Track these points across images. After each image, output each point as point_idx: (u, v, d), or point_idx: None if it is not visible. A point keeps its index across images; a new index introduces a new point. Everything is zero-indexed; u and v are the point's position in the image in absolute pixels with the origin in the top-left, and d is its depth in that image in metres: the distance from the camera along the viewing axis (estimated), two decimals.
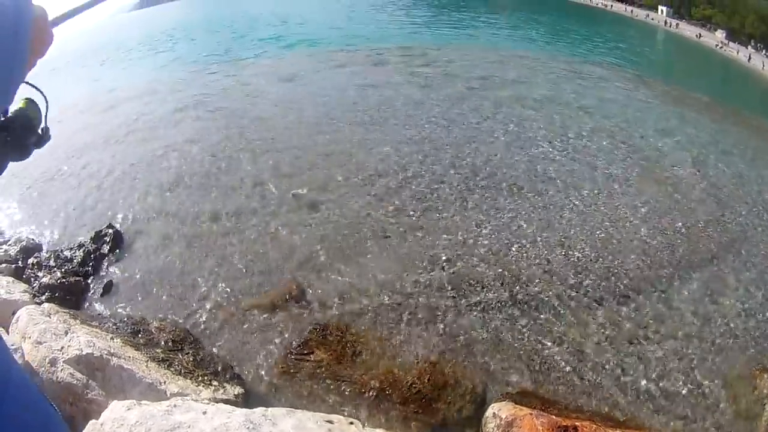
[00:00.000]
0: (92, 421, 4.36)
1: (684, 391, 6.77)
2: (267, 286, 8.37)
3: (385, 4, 52.32)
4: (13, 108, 1.47)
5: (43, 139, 1.58)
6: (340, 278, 8.52)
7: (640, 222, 10.49)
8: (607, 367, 6.99)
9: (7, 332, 5.67)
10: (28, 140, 1.52)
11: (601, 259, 9.08)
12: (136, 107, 18.62)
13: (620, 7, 64.49)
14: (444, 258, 8.93)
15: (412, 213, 10.38)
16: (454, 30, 36.87)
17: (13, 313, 6.14)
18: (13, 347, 4.80)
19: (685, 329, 7.81)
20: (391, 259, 8.96)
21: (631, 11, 61.99)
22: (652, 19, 58.78)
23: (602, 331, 7.59)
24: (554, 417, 5.75)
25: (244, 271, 8.75)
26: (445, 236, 9.55)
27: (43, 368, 5.13)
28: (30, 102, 1.56)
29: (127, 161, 13.43)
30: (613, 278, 8.64)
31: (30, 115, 1.54)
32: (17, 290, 7.32)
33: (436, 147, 13.61)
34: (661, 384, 6.82)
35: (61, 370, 5.15)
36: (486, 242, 9.42)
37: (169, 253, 9.31)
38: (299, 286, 8.27)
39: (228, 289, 8.31)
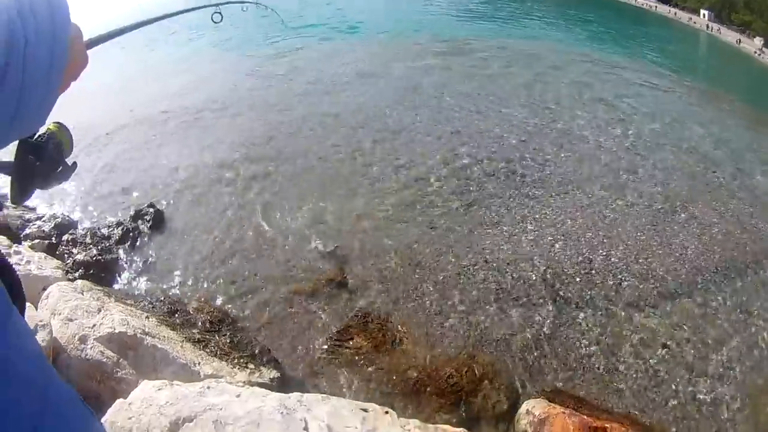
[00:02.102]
0: (120, 400, 4.17)
1: (708, 399, 6.68)
2: (310, 272, 8.26)
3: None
4: (41, 131, 1.35)
5: (69, 169, 1.41)
6: (383, 267, 8.41)
7: (679, 227, 10.29)
8: (639, 370, 6.90)
9: (36, 308, 5.49)
10: (56, 167, 1.38)
11: (640, 261, 8.92)
12: (192, 88, 18.27)
13: (664, 9, 63.47)
14: (488, 251, 8.82)
15: (458, 206, 10.24)
16: (506, 25, 36.30)
17: (44, 289, 5.97)
18: (41, 323, 4.60)
19: (717, 336, 7.67)
20: (436, 251, 8.83)
21: (675, 13, 61.00)
22: (694, 22, 57.60)
23: (637, 333, 7.47)
24: (585, 417, 5.74)
25: (287, 256, 8.65)
26: (490, 230, 9.45)
27: (71, 345, 4.98)
28: (61, 126, 1.42)
29: (176, 142, 13.38)
30: (651, 281, 8.50)
31: (61, 140, 1.40)
32: (49, 266, 7.15)
33: (480, 140, 13.48)
34: (689, 389, 6.73)
35: (91, 347, 5.00)
36: (531, 238, 9.31)
37: (212, 235, 9.22)
38: (343, 273, 8.15)
39: (270, 274, 8.20)
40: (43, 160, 1.32)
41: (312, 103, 15.73)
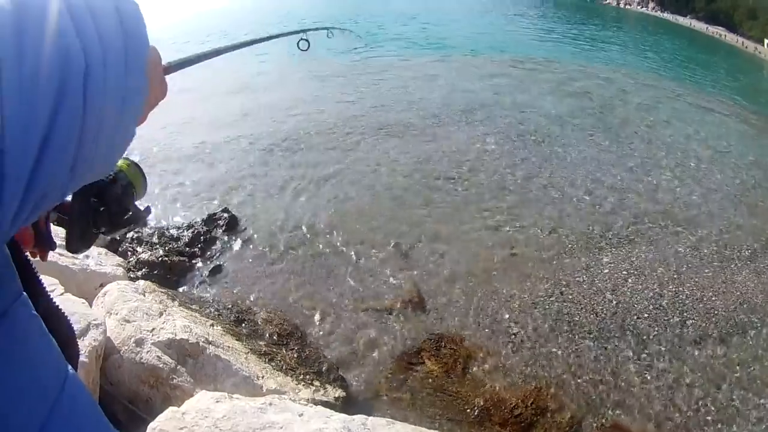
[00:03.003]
0: (172, 408, 3.93)
1: None
2: (387, 292, 8.03)
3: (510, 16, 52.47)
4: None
5: (140, 215, 1.25)
6: (461, 291, 8.15)
7: (743, 264, 9.82)
8: (699, 410, 6.61)
9: (90, 305, 5.24)
10: (124, 213, 1.20)
11: (705, 300, 8.60)
12: (270, 92, 18.71)
13: (732, 38, 62.99)
14: (564, 283, 8.58)
15: (539, 232, 10.03)
16: (578, 45, 36.53)
17: (101, 286, 5.80)
18: (95, 322, 4.38)
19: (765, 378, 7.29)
20: (515, 278, 8.59)
21: (742, 43, 60.09)
22: (759, 52, 56.44)
23: (695, 372, 7.18)
24: None
25: (364, 274, 8.42)
26: (568, 260, 9.22)
27: (126, 347, 4.75)
28: (132, 164, 1.26)
29: (258, 145, 13.44)
30: (713, 319, 8.20)
31: (131, 181, 1.23)
32: (109, 263, 6.98)
33: (557, 164, 13.46)
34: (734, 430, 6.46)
35: (148, 351, 4.76)
36: (606, 271, 9.03)
37: (287, 246, 9.05)
38: (420, 295, 7.92)
39: (345, 290, 7.99)
40: (109, 205, 1.15)
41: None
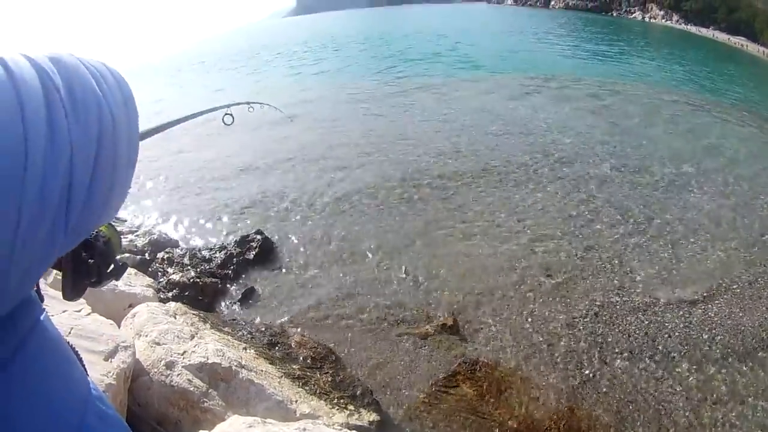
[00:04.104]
0: None
1: None
2: (422, 316, 7.98)
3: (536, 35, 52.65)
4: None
5: (120, 269, 1.37)
6: (497, 315, 8.10)
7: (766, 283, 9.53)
8: (720, 424, 6.54)
9: (119, 326, 5.17)
10: (108, 266, 1.31)
11: (733, 316, 8.48)
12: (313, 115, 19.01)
13: (754, 48, 62.81)
14: (598, 303, 8.51)
15: (575, 250, 9.98)
16: (611, 63, 36.15)
17: (130, 306, 5.76)
18: (123, 344, 4.32)
19: None
20: (551, 300, 8.52)
21: (764, 53, 59.73)
22: None
23: (722, 388, 7.08)
24: None
25: (399, 297, 8.38)
26: (601, 279, 9.15)
27: (155, 369, 4.67)
28: (108, 224, 1.36)
29: (296, 172, 13.62)
30: (740, 336, 8.06)
31: (110, 238, 1.34)
32: (139, 283, 6.96)
33: (588, 182, 13.45)
34: None
35: (178, 374, 4.68)
36: (639, 290, 8.91)
37: (321, 269, 9.04)
38: (456, 319, 7.83)
39: (380, 314, 7.95)
40: (95, 258, 1.24)
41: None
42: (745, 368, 7.41)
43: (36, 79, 0.69)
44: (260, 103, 5.69)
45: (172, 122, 2.59)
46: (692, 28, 77.92)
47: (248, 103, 5.23)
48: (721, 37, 70.10)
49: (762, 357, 7.63)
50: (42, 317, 0.90)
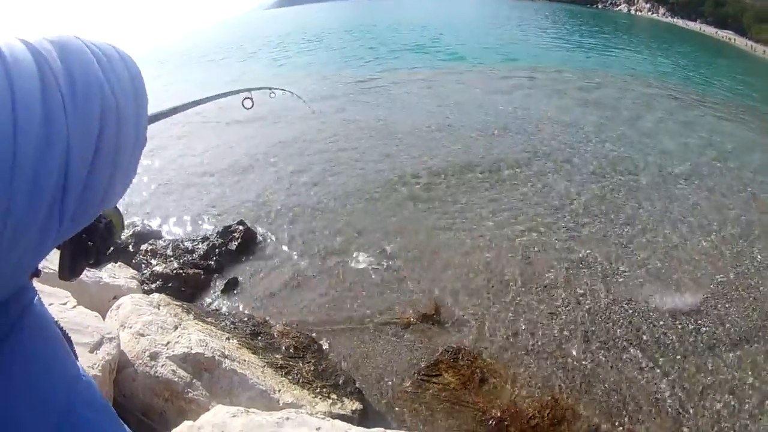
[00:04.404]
0: (188, 422, 3.90)
1: None
2: (404, 306, 8.01)
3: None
4: None
5: (119, 254, 1.19)
6: (479, 304, 8.13)
7: (756, 269, 9.66)
8: (706, 414, 6.60)
9: (104, 318, 5.21)
10: (107, 248, 1.32)
11: (719, 306, 8.56)
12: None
13: (742, 41, 63.69)
14: (581, 292, 8.55)
15: (555, 239, 10.08)
16: (597, 56, 36.36)
17: (115, 299, 5.79)
18: (108, 336, 4.37)
19: None
20: (533, 289, 8.59)
21: (752, 47, 60.15)
22: None
23: (709, 378, 7.16)
24: None
25: (382, 288, 8.43)
26: (585, 269, 9.19)
27: (140, 360, 4.73)
28: (113, 209, 1.37)
29: (277, 165, 13.67)
30: (726, 326, 8.14)
31: (112, 220, 1.35)
32: (123, 275, 6.98)
33: (571, 173, 13.57)
34: None
35: (162, 365, 4.73)
36: (622, 279, 8.99)
37: (303, 260, 9.09)
38: (438, 309, 7.90)
39: (362, 304, 8.00)
40: (95, 241, 1.24)
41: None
42: (732, 359, 7.47)
43: (32, 64, 0.67)
44: (282, 89, 5.66)
45: (189, 104, 2.54)
46: (679, 21, 78.42)
47: (270, 88, 5.16)
48: (709, 30, 70.74)
49: (749, 349, 7.68)
50: (35, 299, 0.91)
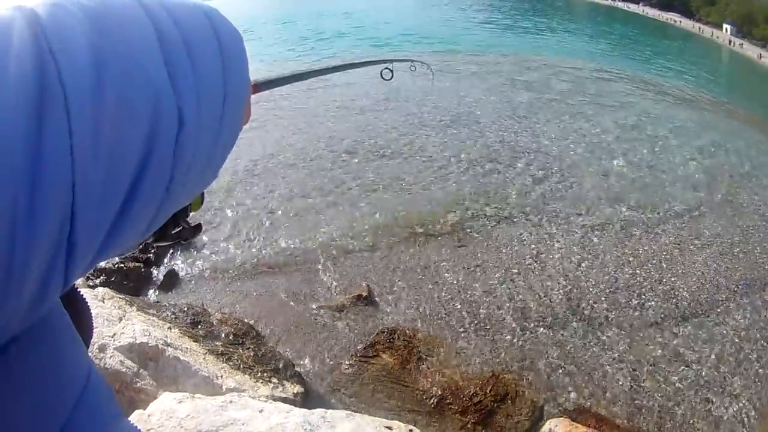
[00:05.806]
0: (138, 411, 4.04)
1: (726, 417, 6.67)
2: (338, 289, 8.24)
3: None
4: None
5: (190, 231, 1.01)
6: (412, 285, 8.36)
7: (702, 246, 10.22)
8: (660, 389, 6.88)
9: None
10: (174, 226, 1.00)
11: (664, 281, 8.92)
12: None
13: (688, 23, 65.08)
14: (515, 270, 8.82)
15: (486, 223, 10.24)
16: (532, 37, 36.92)
17: None
18: None
19: (735, 354, 7.65)
20: (464, 269, 8.79)
21: (699, 29, 61.44)
22: (717, 37, 57.87)
23: (659, 353, 7.47)
24: None
25: (315, 273, 8.63)
26: (518, 248, 9.45)
27: (90, 354, 4.79)
28: None
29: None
30: (674, 300, 8.51)
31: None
32: None
33: (501, 152, 13.80)
34: (708, 407, 6.74)
35: (111, 357, 4.87)
36: (557, 256, 9.28)
37: (239, 249, 9.23)
38: (371, 291, 8.11)
39: (297, 289, 8.17)
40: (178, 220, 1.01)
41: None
42: (684, 331, 7.81)
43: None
44: (422, 62, 5.57)
45: (328, 69, 2.18)
46: (620, 4, 78.90)
47: (411, 60, 4.94)
48: (652, 12, 71.95)
49: (699, 321, 8.06)
50: None
